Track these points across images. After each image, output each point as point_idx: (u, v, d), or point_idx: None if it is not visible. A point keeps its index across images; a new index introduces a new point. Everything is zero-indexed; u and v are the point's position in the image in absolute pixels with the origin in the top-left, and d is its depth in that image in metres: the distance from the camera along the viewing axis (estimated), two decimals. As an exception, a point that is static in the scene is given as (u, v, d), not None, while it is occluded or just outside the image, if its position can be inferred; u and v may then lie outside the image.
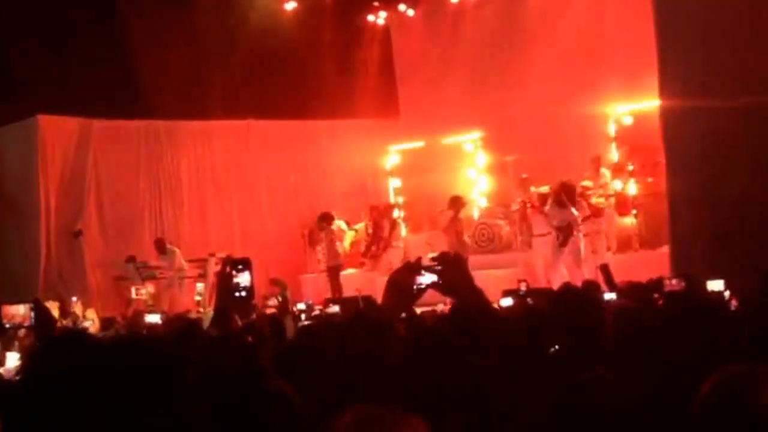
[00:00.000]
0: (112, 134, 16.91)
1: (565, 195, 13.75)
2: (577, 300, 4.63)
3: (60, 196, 16.21)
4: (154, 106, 16.76)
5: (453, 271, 3.51)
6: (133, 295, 15.06)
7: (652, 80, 12.08)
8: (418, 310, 4.68)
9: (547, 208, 14.05)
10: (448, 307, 5.66)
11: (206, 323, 6.09)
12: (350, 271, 17.19)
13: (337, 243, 16.86)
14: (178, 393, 2.89)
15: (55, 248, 16.11)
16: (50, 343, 3.14)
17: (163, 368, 2.89)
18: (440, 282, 3.47)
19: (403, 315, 3.87)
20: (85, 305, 14.26)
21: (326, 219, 16.93)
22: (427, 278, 3.48)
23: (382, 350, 3.32)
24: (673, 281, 7.74)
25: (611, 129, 16.28)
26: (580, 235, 13.71)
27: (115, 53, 15.83)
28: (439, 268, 3.49)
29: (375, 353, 3.32)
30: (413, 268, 3.52)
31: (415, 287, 3.50)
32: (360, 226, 18.09)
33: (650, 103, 13.38)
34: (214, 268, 15.67)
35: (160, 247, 16.21)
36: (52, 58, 15.23)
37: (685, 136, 11.34)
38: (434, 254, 3.88)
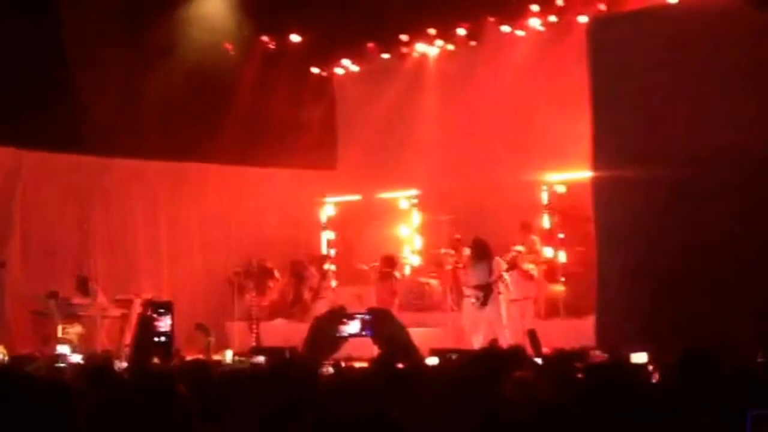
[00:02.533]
0: (44, 167, 16.57)
1: (478, 249, 13.89)
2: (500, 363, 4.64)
3: (-16, 226, 15.79)
4: (89, 142, 16.50)
5: (388, 325, 3.51)
6: (60, 334, 14.60)
7: (584, 151, 12.31)
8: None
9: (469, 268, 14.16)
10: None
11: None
12: (278, 320, 17.02)
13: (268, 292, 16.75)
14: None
15: (-26, 279, 15.63)
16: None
17: (54, 408, 2.84)
18: (373, 333, 3.47)
19: (325, 363, 3.85)
20: (-3, 340, 13.76)
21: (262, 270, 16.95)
22: (350, 327, 3.46)
23: (305, 399, 3.28)
24: (597, 352, 7.81)
25: (544, 197, 16.52)
26: (500, 296, 13.78)
27: (53, 85, 15.60)
28: (370, 318, 3.49)
29: (298, 403, 3.27)
30: (337, 316, 3.50)
31: (338, 335, 3.48)
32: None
33: (582, 173, 13.63)
34: (137, 309, 15.35)
35: (82, 286, 15.80)
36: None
37: (616, 208, 11.54)
38: (365, 309, 3.87)
